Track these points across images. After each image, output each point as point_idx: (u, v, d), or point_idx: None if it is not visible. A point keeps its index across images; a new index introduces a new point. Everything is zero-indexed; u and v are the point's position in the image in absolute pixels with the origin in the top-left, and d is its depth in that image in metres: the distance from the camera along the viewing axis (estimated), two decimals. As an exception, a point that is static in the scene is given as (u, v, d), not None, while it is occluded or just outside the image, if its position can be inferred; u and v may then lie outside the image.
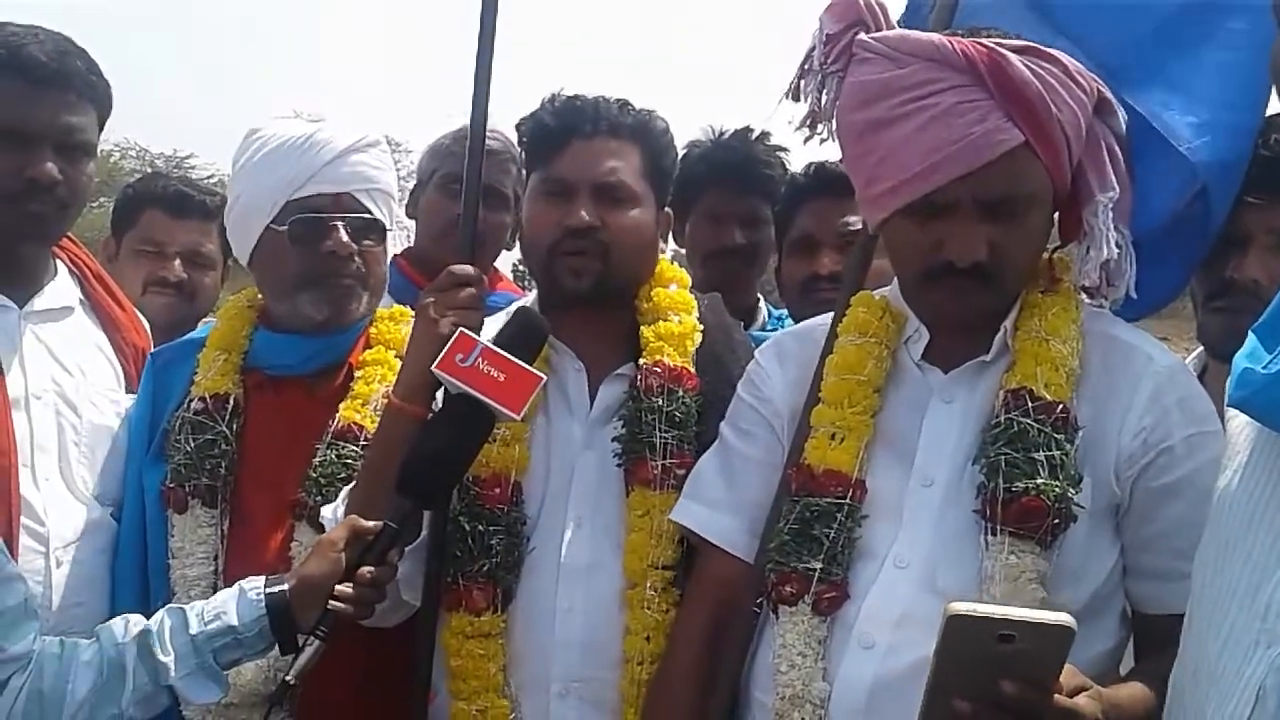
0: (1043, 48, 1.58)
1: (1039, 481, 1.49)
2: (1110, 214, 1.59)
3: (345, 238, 2.00)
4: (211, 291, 2.98)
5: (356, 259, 2.02)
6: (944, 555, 1.55)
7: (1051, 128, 1.52)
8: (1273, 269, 1.80)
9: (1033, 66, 1.52)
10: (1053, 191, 1.58)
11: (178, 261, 2.85)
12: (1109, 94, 1.60)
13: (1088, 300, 1.68)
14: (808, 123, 1.74)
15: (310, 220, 2.00)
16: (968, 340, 1.64)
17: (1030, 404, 1.53)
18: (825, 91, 1.68)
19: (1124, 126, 1.62)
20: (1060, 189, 1.58)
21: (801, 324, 1.89)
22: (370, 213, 2.04)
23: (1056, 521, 1.49)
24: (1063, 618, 1.25)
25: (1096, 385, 1.59)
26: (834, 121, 1.70)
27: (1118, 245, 1.60)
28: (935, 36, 1.58)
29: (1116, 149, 1.61)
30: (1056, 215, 1.66)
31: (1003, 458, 1.52)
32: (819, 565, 1.58)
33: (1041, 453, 1.50)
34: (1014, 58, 1.52)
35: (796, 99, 1.74)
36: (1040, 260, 1.67)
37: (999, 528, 1.50)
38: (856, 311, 1.73)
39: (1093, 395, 1.58)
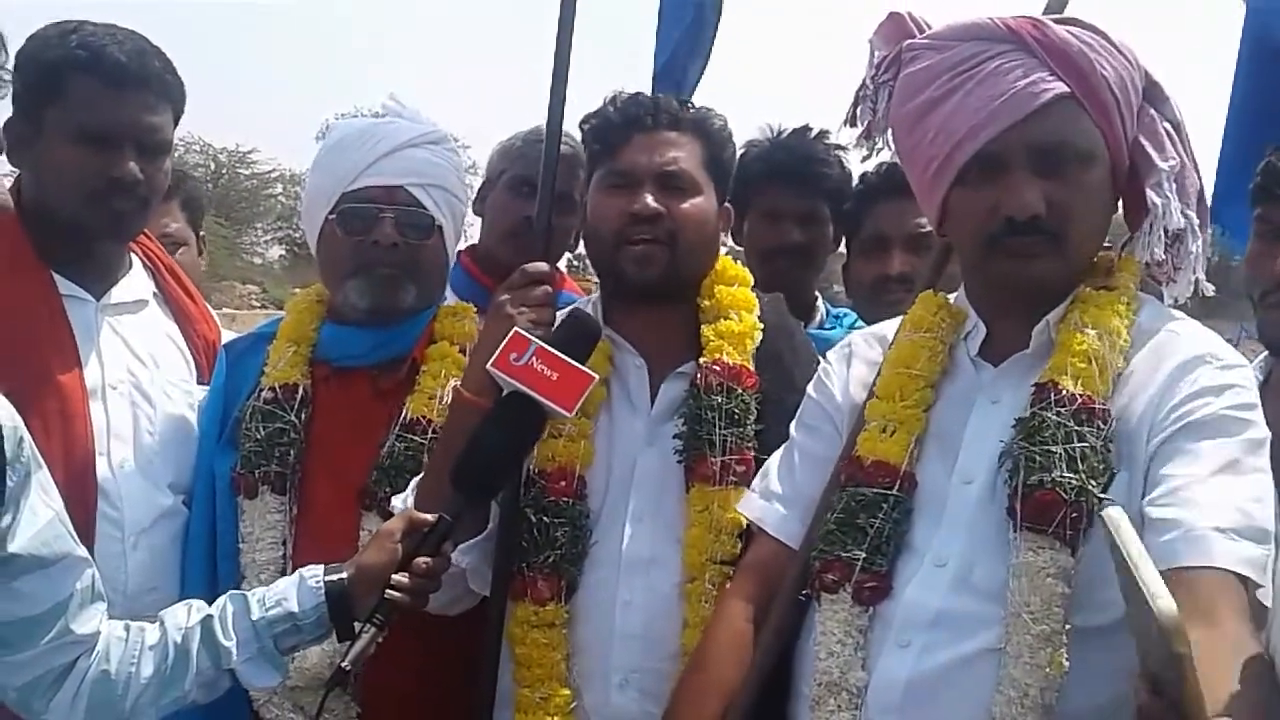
0: (1084, 20, 1.59)
1: (1054, 475, 1.45)
2: (1174, 185, 1.56)
3: (390, 229, 2.04)
4: (191, 269, 2.96)
5: (402, 251, 2.05)
6: (979, 554, 1.53)
7: (1096, 81, 1.51)
8: None
9: (1074, 30, 1.54)
10: (1109, 158, 1.55)
11: None
12: (1159, 79, 1.59)
13: (1166, 298, 1.64)
14: (864, 135, 1.75)
15: (359, 210, 2.05)
16: (1019, 334, 1.62)
17: (1054, 397, 1.49)
18: (879, 103, 1.69)
19: (1178, 114, 1.60)
20: (1116, 154, 1.56)
21: (876, 325, 1.88)
22: (423, 207, 2.07)
23: (1075, 515, 1.43)
24: (1163, 605, 1.00)
25: (1140, 381, 1.53)
26: (890, 131, 1.70)
27: (1183, 216, 1.56)
28: (978, 16, 1.59)
29: (1174, 134, 1.59)
30: (1120, 205, 1.63)
31: (1023, 452, 1.49)
32: (862, 554, 1.57)
33: (1060, 446, 1.46)
34: (1056, 25, 1.55)
35: (854, 125, 1.75)
36: (1100, 255, 1.65)
37: (1019, 523, 1.47)
38: (916, 309, 1.74)
39: (1133, 391, 1.53)
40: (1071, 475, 1.44)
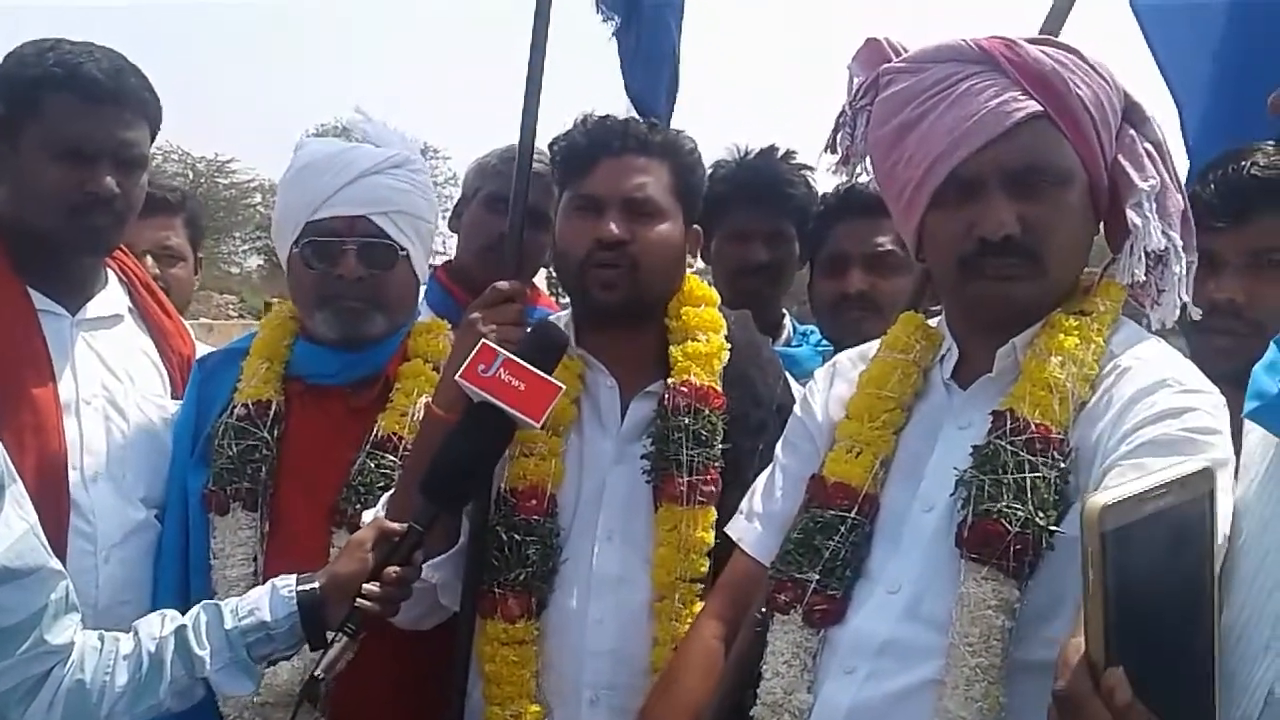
0: (1060, 40, 1.59)
1: (1000, 506, 1.41)
2: (1154, 205, 1.52)
3: (354, 262, 2.05)
4: (185, 284, 3.05)
5: (367, 283, 2.07)
6: (932, 583, 1.48)
7: (1070, 100, 1.49)
8: (1249, 287, 1.83)
9: (1047, 50, 1.53)
10: (1087, 178, 1.52)
11: (149, 259, 2.90)
12: (1139, 101, 1.58)
13: (1153, 323, 1.60)
14: (843, 160, 1.73)
15: (322, 244, 2.07)
16: (990, 357, 1.58)
17: (1009, 425, 1.46)
18: (857, 129, 1.68)
19: (1159, 134, 1.58)
20: (1094, 175, 1.53)
21: (865, 344, 1.83)
22: (387, 235, 2.08)
23: (1019, 548, 1.38)
24: (1093, 497, 0.87)
25: (1101, 408, 1.48)
26: (868, 158, 1.69)
27: (1164, 236, 1.52)
28: (952, 38, 1.58)
29: (1155, 154, 1.57)
30: (1102, 229, 1.61)
31: (975, 482, 1.45)
32: (816, 577, 1.55)
33: (1011, 476, 1.42)
34: (1029, 45, 1.54)
35: (833, 151, 1.74)
36: (1080, 280, 1.61)
37: (964, 554, 1.43)
38: (894, 329, 1.72)
39: (1093, 419, 1.48)
40: (1018, 506, 1.40)
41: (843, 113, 1.71)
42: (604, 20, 2.60)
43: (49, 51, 2.02)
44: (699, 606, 1.83)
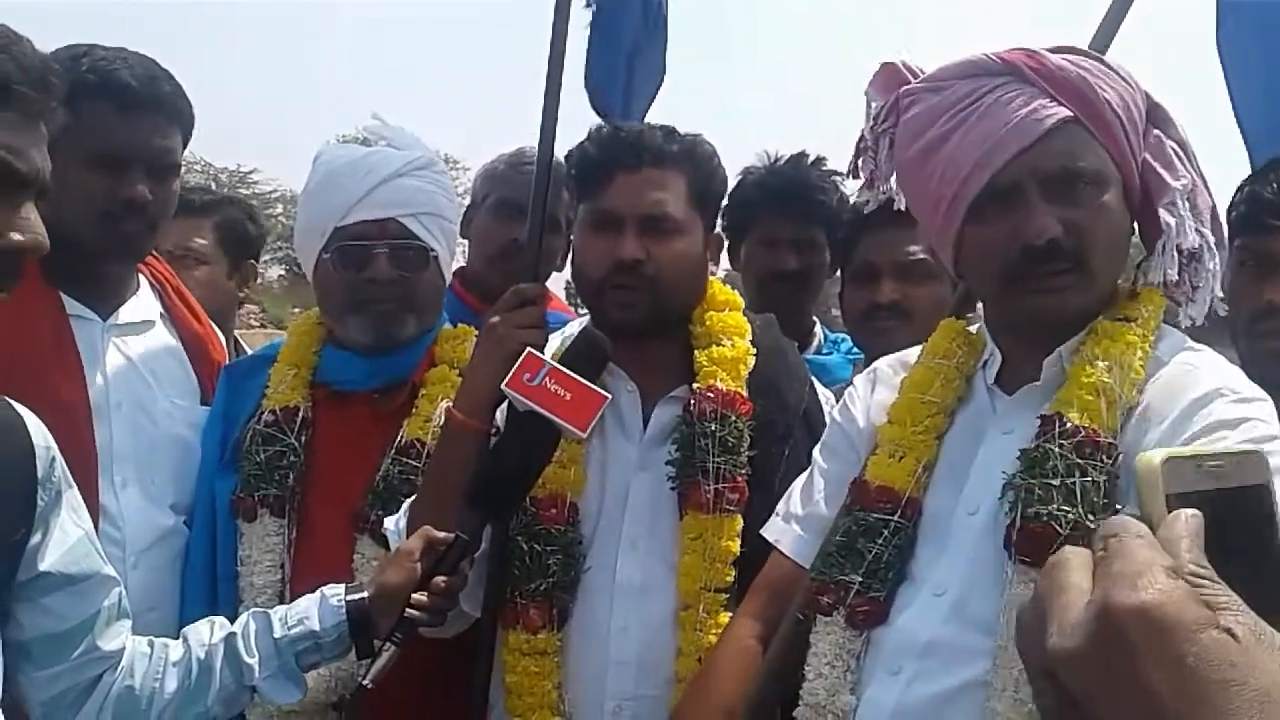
0: (1079, 48, 1.59)
1: (1051, 508, 1.41)
2: (1187, 204, 1.52)
3: (386, 265, 2.05)
4: (206, 287, 2.98)
5: (399, 285, 2.07)
6: (978, 585, 1.49)
7: (1098, 104, 1.50)
8: None
9: (1069, 58, 1.54)
10: (1121, 182, 1.52)
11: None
12: (1161, 102, 1.58)
13: (1183, 319, 1.60)
14: (867, 185, 1.73)
15: (353, 248, 2.06)
16: (1035, 364, 1.58)
17: (1058, 429, 1.46)
18: (880, 153, 1.67)
19: (1183, 134, 1.58)
20: (1126, 176, 1.53)
21: (906, 351, 1.82)
22: (416, 237, 2.08)
23: None
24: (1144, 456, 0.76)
25: (1152, 416, 1.48)
26: (893, 179, 1.69)
27: (1198, 234, 1.52)
28: (971, 54, 1.58)
29: (1182, 152, 1.57)
30: (1136, 230, 1.61)
31: (1023, 485, 1.46)
32: (859, 579, 1.56)
33: (1060, 479, 1.43)
34: (1051, 54, 1.54)
35: (856, 177, 1.74)
36: (1119, 285, 1.62)
37: (1014, 555, 1.44)
38: (936, 336, 1.72)
39: (1144, 425, 1.48)
40: (1069, 509, 1.41)
41: (862, 138, 1.70)
42: (585, 6, 2.54)
43: (82, 58, 2.02)
44: (724, 617, 1.82)
